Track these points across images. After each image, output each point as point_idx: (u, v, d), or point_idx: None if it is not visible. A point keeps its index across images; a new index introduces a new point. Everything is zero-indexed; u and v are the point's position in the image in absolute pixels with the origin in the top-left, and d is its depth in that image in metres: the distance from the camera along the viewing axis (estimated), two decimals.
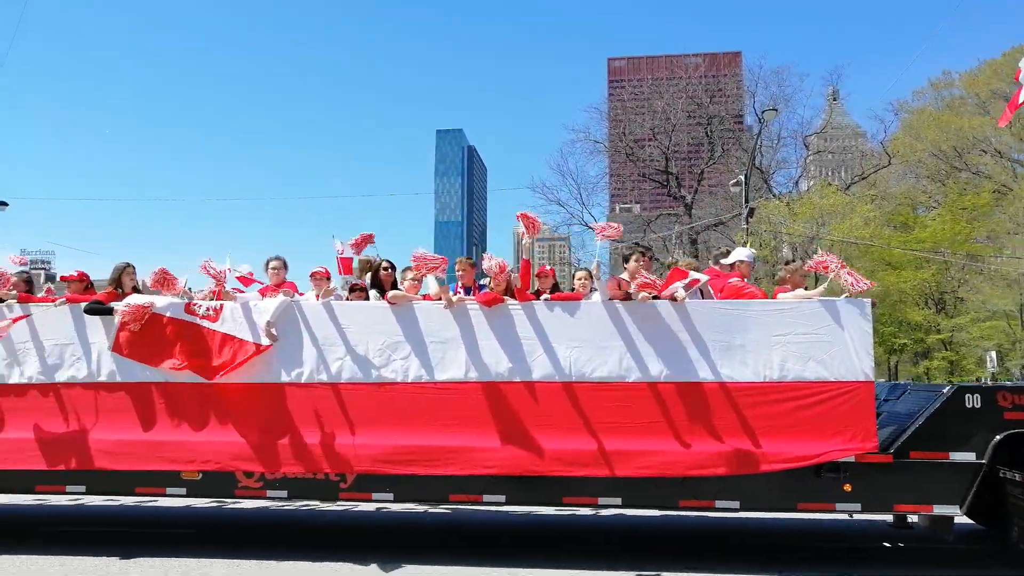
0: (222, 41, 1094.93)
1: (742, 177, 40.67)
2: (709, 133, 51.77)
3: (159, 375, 8.83)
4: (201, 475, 8.76)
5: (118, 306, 8.86)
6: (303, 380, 8.67)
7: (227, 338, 8.80)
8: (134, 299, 8.88)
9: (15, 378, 9.03)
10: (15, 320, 8.95)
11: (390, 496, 8.60)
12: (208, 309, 8.89)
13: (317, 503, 11.34)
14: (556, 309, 8.45)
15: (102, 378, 8.92)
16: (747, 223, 39.63)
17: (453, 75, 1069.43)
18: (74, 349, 8.99)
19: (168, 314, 8.90)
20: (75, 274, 9.40)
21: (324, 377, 8.64)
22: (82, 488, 9.02)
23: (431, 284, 8.98)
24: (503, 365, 8.40)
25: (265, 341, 8.71)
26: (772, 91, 49.43)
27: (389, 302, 8.66)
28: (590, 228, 8.63)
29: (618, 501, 8.27)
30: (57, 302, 9.10)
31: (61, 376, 8.98)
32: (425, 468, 8.34)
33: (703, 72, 62.13)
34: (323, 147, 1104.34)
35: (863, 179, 50.33)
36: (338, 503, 10.42)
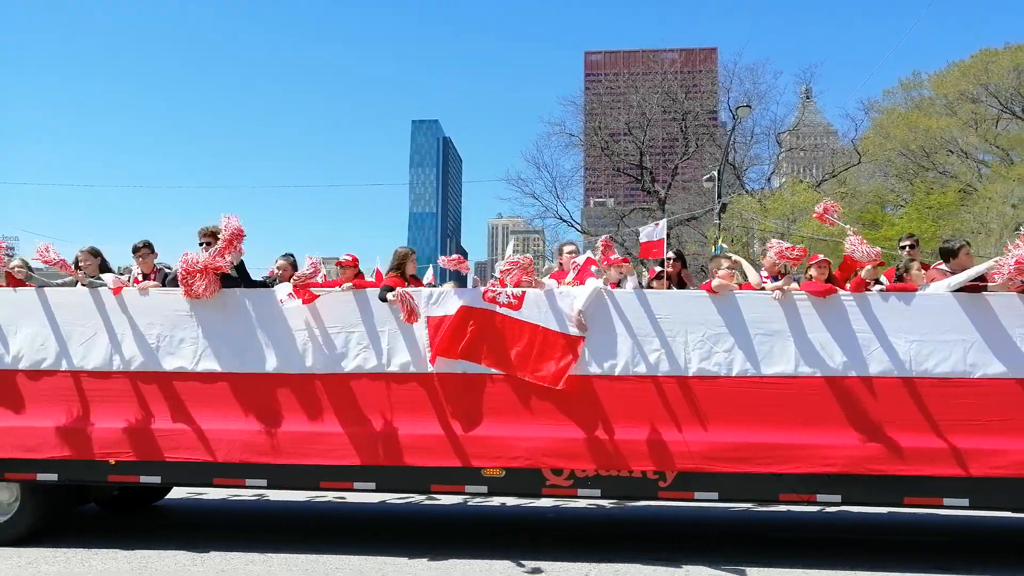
0: (196, 27, 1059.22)
1: (715, 173, 41.14)
2: (683, 128, 51.91)
3: (456, 366, 8.22)
4: (505, 472, 8.18)
5: (421, 311, 8.25)
6: (616, 372, 8.16)
7: (531, 328, 8.23)
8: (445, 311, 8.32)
9: (296, 367, 8.30)
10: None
11: (714, 496, 8.14)
12: (509, 296, 8.30)
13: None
14: (892, 300, 8.12)
15: (393, 368, 8.27)
16: (719, 218, 40.11)
17: (430, 66, 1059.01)
18: (359, 337, 8.31)
19: (465, 303, 8.28)
20: (349, 259, 8.72)
21: (641, 369, 8.14)
22: (371, 485, 8.33)
23: (750, 273, 8.59)
24: (836, 359, 8.02)
25: (574, 331, 8.17)
26: (746, 88, 49.88)
27: (711, 291, 8.21)
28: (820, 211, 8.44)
29: (965, 502, 7.92)
30: (343, 286, 8.40)
31: (347, 366, 8.30)
32: (757, 466, 7.94)
33: (679, 68, 62.74)
34: (297, 136, 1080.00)
35: (833, 177, 51.25)
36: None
